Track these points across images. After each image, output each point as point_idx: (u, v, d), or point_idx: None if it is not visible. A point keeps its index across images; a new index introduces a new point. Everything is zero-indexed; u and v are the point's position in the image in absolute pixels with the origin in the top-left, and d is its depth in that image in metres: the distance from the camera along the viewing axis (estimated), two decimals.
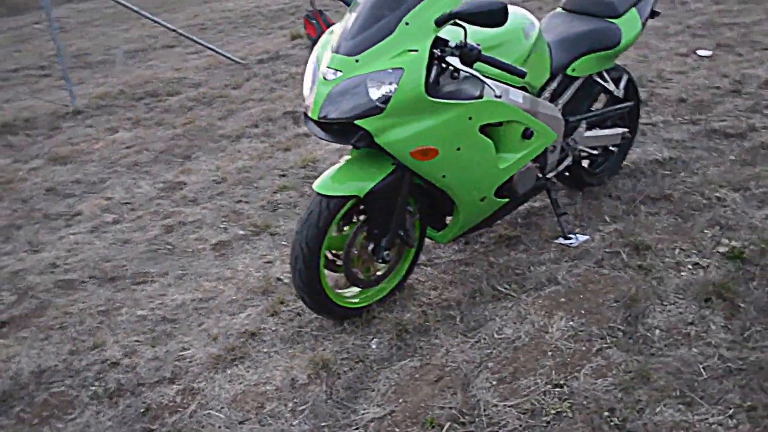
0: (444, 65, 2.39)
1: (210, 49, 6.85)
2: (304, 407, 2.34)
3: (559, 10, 3.35)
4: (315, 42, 2.55)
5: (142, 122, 5.60)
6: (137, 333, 2.85)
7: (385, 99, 2.29)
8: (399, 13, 2.34)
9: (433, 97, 2.37)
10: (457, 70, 2.37)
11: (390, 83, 2.28)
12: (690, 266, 2.73)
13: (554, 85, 3.02)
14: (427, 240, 2.89)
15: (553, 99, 3.06)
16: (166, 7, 11.68)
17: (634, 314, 2.48)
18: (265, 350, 2.65)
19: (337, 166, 2.57)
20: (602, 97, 3.45)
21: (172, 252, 3.54)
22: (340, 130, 2.40)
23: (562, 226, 3.09)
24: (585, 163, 3.48)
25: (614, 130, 3.38)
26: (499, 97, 2.54)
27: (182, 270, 3.35)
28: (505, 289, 2.77)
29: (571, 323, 2.49)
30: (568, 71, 3.05)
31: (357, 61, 2.32)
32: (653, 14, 3.39)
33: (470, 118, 2.46)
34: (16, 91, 7.13)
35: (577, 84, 3.13)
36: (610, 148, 3.47)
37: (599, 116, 3.27)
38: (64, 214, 4.12)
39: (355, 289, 2.75)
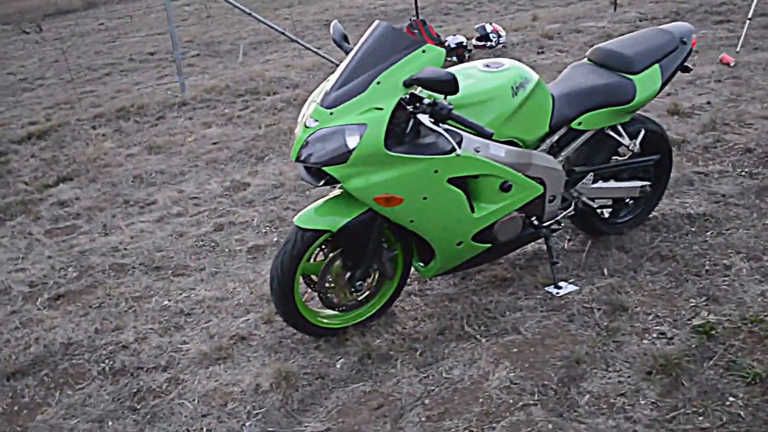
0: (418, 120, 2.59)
1: (310, 50, 7.30)
2: (258, 412, 2.66)
3: (584, 60, 3.39)
4: None
5: (234, 119, 6.15)
6: (155, 321, 3.31)
7: (353, 150, 2.53)
8: (374, 72, 2.57)
9: (403, 149, 2.59)
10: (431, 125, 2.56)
11: (356, 136, 2.52)
12: (655, 335, 2.74)
13: (555, 137, 3.09)
14: None
15: (556, 151, 3.13)
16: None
17: (573, 376, 2.56)
18: (247, 354, 3.00)
19: (321, 200, 2.85)
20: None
21: (214, 250, 3.99)
22: (316, 172, 2.67)
23: (553, 274, 3.17)
24: (606, 212, 3.50)
25: (630, 183, 3.37)
26: (478, 151, 2.72)
27: (216, 268, 3.78)
28: (473, 330, 2.92)
29: (511, 374, 2.62)
30: (574, 125, 3.10)
31: (331, 114, 2.58)
32: (684, 69, 3.33)
33: (436, 171, 2.65)
34: (144, 76, 7.99)
35: (585, 137, 3.17)
36: (626, 200, 3.46)
37: (610, 169, 3.29)
38: (140, 201, 4.72)
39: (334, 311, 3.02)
